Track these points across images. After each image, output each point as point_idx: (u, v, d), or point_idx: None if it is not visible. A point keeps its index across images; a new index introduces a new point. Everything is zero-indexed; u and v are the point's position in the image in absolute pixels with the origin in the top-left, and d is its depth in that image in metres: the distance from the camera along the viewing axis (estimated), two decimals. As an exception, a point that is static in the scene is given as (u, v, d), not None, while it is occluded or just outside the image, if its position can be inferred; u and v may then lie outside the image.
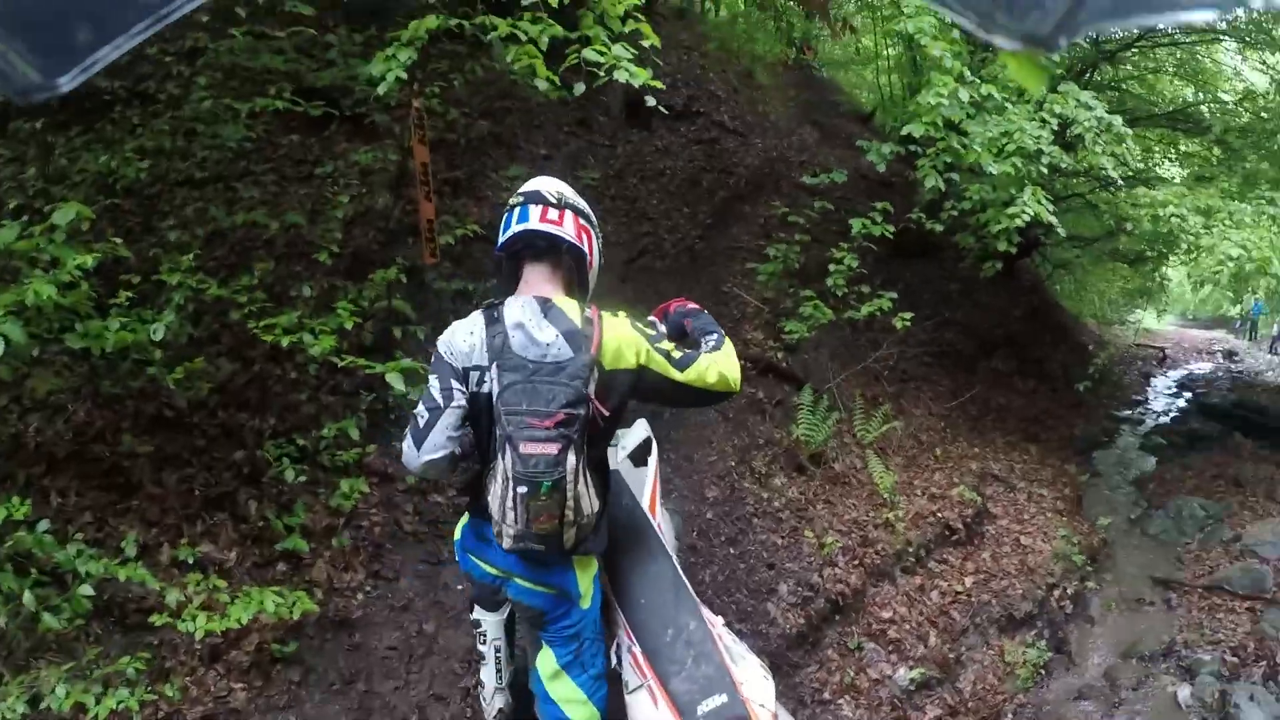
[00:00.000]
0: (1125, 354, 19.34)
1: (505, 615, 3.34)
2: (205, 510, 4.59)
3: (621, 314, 2.92)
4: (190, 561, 4.23)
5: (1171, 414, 15.18)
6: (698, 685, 2.81)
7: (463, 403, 2.80)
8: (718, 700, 2.76)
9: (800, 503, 6.44)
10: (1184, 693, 6.54)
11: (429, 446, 2.77)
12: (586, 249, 2.93)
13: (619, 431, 3.69)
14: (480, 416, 2.83)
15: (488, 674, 3.40)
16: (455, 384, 2.81)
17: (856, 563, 6.15)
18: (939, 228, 8.70)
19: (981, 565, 7.19)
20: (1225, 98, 11.60)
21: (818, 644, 5.53)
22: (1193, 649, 7.11)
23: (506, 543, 2.79)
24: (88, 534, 4.12)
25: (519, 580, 3.00)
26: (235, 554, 4.48)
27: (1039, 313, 15.33)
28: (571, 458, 2.66)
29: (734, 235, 9.90)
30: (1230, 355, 21.89)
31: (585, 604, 3.02)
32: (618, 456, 3.73)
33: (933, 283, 11.65)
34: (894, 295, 7.87)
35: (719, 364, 2.91)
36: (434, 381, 2.82)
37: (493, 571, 3.07)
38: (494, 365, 2.73)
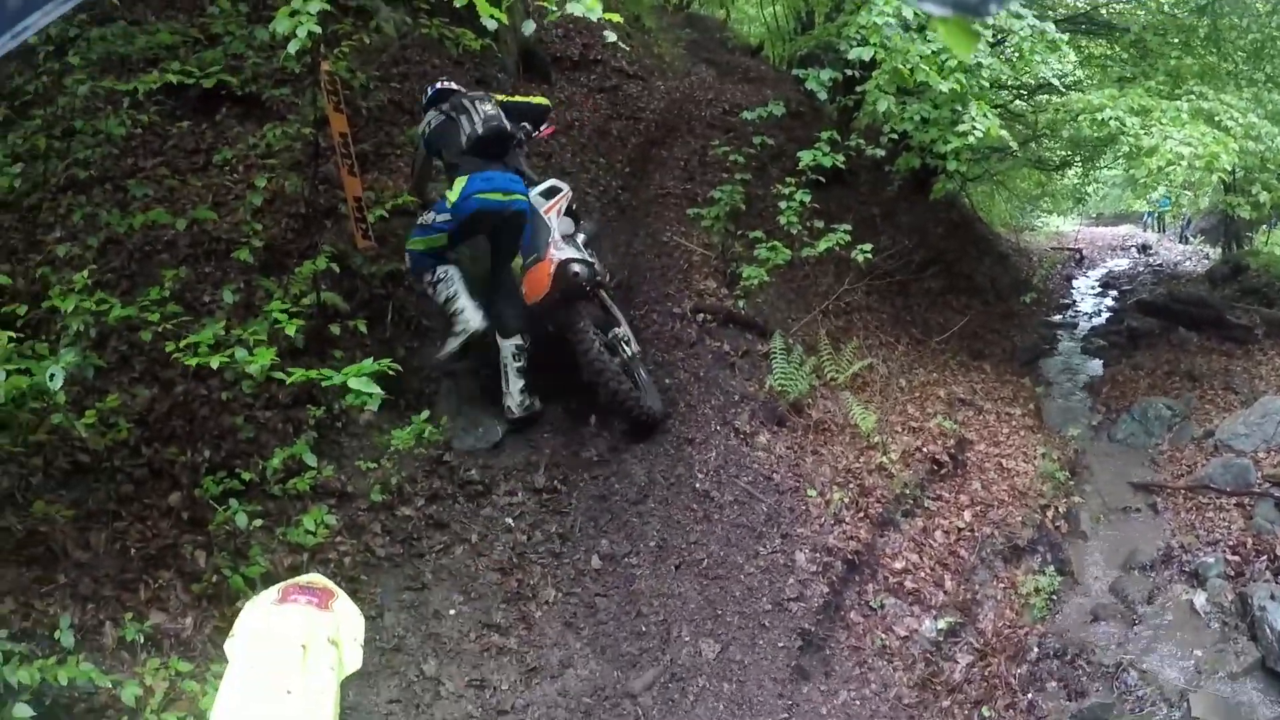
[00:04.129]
0: (1043, 257, 19.45)
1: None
2: (147, 571, 3.91)
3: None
4: (141, 640, 3.57)
5: (1103, 314, 15.27)
6: (528, 252, 5.59)
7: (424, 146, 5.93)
8: (532, 256, 5.54)
9: (791, 459, 6.05)
10: (1199, 599, 6.40)
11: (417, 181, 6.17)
12: None
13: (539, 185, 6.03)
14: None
15: (463, 300, 5.39)
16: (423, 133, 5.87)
17: (861, 515, 5.80)
18: (880, 152, 8.36)
19: (975, 496, 6.93)
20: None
21: (840, 608, 5.17)
22: (1192, 552, 7.00)
23: (480, 129, 5.56)
24: (12, 626, 3.43)
25: (515, 195, 5.57)
26: (191, 620, 3.83)
27: (959, 227, 15.21)
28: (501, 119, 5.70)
29: (658, 181, 9.42)
30: (1145, 249, 22.24)
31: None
32: (532, 194, 5.84)
33: (853, 209, 11.29)
34: (849, 228, 7.51)
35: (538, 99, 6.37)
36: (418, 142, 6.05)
37: (498, 196, 5.49)
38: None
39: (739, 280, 7.52)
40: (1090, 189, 18.16)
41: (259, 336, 4.03)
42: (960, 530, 6.43)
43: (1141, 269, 19.55)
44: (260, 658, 1.97)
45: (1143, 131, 8.06)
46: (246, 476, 4.26)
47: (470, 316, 5.39)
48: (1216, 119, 8.44)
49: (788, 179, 7.56)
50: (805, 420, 6.62)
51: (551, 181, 6.26)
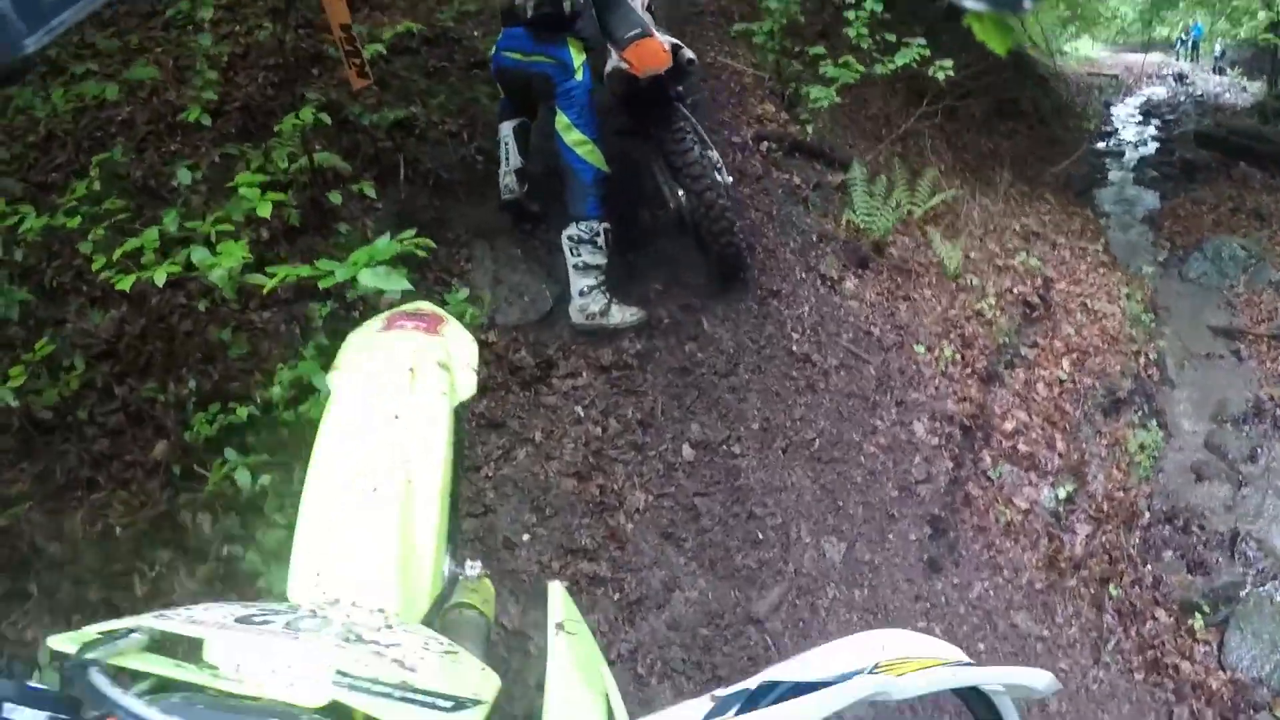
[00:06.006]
0: (1079, 83, 18.36)
1: (516, 123, 4.62)
2: (139, 555, 2.93)
3: None
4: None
5: (1149, 144, 14.40)
6: (624, 29, 4.08)
7: None
8: (634, 31, 4.07)
9: (885, 307, 5.31)
10: (1309, 462, 5.90)
11: None
12: None
13: None
14: None
15: (504, 166, 4.63)
16: None
17: (969, 371, 5.13)
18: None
19: (1070, 342, 6.27)
20: None
21: (957, 481, 4.53)
22: (1285, 406, 6.47)
23: (530, 13, 4.15)
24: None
25: (535, 56, 4.25)
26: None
27: (1001, 48, 14.12)
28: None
29: (693, -7, 8.41)
30: (1181, 78, 21.22)
31: (579, 76, 4.23)
32: None
33: (891, 27, 10.32)
34: (924, 41, 6.57)
35: None
36: None
37: (518, 56, 4.30)
38: None
39: (800, 103, 6.64)
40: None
41: (226, 227, 2.92)
42: (1062, 382, 5.81)
43: (1182, 99, 18.60)
44: (364, 385, 1.79)
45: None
46: (244, 413, 3.17)
47: (503, 184, 4.66)
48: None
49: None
50: (887, 261, 5.88)
51: None
